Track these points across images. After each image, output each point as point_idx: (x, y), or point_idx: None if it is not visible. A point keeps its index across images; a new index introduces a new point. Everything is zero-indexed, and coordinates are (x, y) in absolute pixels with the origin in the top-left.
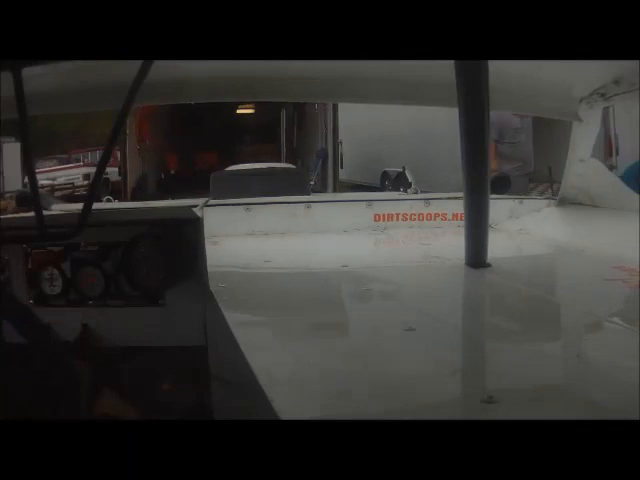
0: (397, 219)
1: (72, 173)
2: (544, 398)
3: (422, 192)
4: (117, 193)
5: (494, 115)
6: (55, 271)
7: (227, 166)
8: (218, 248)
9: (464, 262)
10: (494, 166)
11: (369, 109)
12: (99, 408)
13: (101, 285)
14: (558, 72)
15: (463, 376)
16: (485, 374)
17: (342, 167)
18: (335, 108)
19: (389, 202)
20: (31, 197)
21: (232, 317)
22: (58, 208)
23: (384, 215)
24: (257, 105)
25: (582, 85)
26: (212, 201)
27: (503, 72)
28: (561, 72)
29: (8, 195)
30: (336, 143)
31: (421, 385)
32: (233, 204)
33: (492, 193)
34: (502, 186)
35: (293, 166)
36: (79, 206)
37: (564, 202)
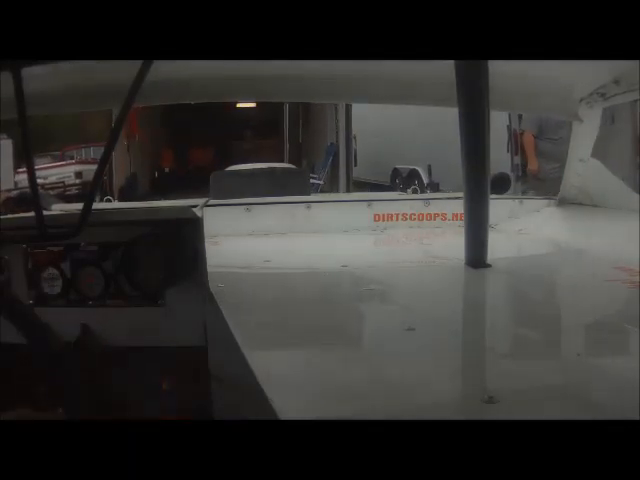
0: (397, 219)
1: (63, 171)
2: (544, 398)
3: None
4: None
5: None
6: (55, 271)
7: (226, 164)
8: (218, 248)
9: (464, 262)
10: (534, 166)
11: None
12: (99, 408)
13: (101, 285)
14: (558, 72)
15: (463, 376)
16: (485, 374)
17: (356, 164)
18: None
19: (389, 202)
20: (30, 197)
21: (232, 317)
22: (58, 208)
23: (384, 215)
24: None
25: (582, 85)
26: (212, 201)
27: (503, 72)
28: (561, 72)
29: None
30: (349, 138)
31: (421, 385)
32: (233, 204)
33: (492, 193)
34: (502, 186)
35: (293, 166)
36: (79, 206)
37: (564, 202)
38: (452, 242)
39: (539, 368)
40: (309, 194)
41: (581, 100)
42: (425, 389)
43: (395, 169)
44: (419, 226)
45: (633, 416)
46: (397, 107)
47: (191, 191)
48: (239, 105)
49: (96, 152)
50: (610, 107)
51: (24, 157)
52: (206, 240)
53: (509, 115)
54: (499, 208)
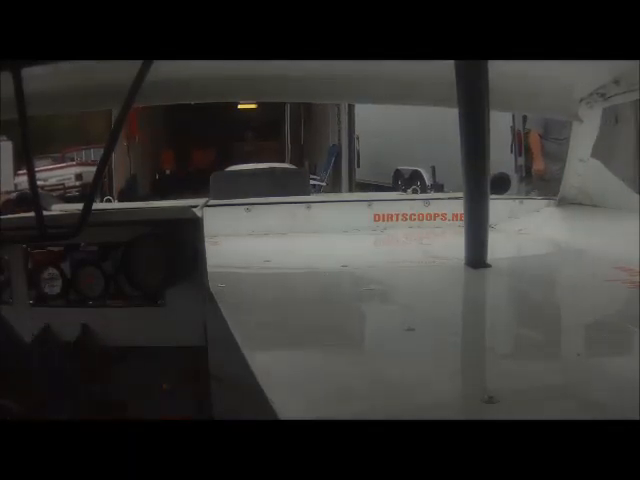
0: (397, 219)
1: (63, 173)
2: (544, 398)
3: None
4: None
5: None
6: (55, 271)
7: (228, 165)
8: (218, 248)
9: (464, 262)
10: (540, 167)
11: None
12: (99, 408)
13: (101, 285)
14: (558, 72)
15: (463, 376)
16: (485, 374)
17: (359, 166)
18: None
19: (389, 202)
20: (30, 197)
21: (232, 317)
22: (58, 208)
23: (384, 215)
24: None
25: (582, 85)
26: (212, 201)
27: (503, 72)
28: (561, 72)
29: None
30: (352, 138)
31: (421, 385)
32: (233, 204)
33: (492, 193)
34: (502, 186)
35: (293, 166)
36: (79, 206)
37: (564, 202)
38: (452, 242)
39: (539, 368)
40: (309, 194)
41: (581, 100)
42: (425, 389)
43: (397, 170)
44: (419, 226)
45: (633, 416)
46: (400, 107)
47: (192, 193)
48: (240, 106)
49: (97, 154)
50: (613, 107)
51: (24, 157)
52: (206, 240)
53: (512, 115)
54: (499, 208)
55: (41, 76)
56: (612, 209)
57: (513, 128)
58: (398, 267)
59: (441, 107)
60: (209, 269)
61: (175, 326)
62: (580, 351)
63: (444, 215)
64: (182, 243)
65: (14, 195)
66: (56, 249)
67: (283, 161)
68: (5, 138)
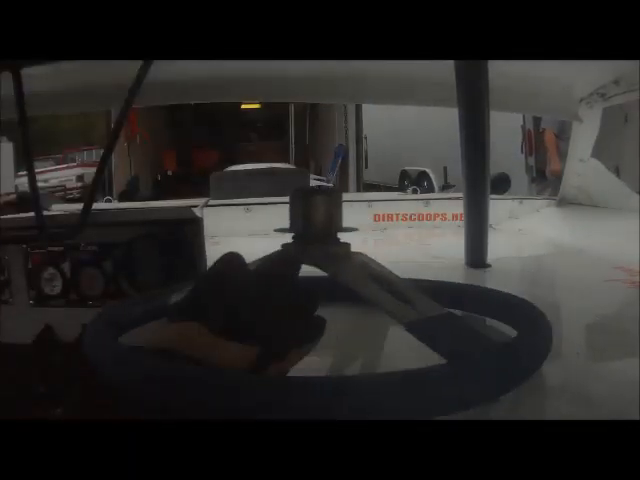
0: (397, 219)
1: (65, 175)
2: (544, 398)
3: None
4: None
5: None
6: (55, 271)
7: (231, 166)
8: (218, 248)
9: (464, 262)
10: (557, 167)
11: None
12: (99, 408)
13: (101, 285)
14: (558, 72)
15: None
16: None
17: (367, 167)
18: None
19: (389, 202)
20: (30, 197)
21: None
22: (58, 208)
23: (384, 215)
24: None
25: (582, 85)
26: (212, 201)
27: (503, 72)
28: (561, 72)
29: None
30: (360, 138)
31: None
32: (233, 204)
33: (492, 193)
34: (502, 186)
35: (293, 166)
36: (79, 206)
37: (564, 202)
38: (452, 242)
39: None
40: None
41: (581, 100)
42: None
43: (404, 171)
44: (419, 226)
45: (633, 416)
46: (409, 107)
47: (195, 194)
48: (244, 106)
49: (98, 155)
50: (623, 106)
51: (24, 157)
52: (206, 240)
53: (523, 115)
54: (499, 208)
55: (41, 76)
56: (612, 209)
57: (524, 127)
58: (398, 267)
59: (445, 107)
60: None
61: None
62: (580, 351)
63: (444, 215)
64: (182, 243)
65: (15, 195)
66: (56, 249)
67: (287, 162)
68: (6, 139)
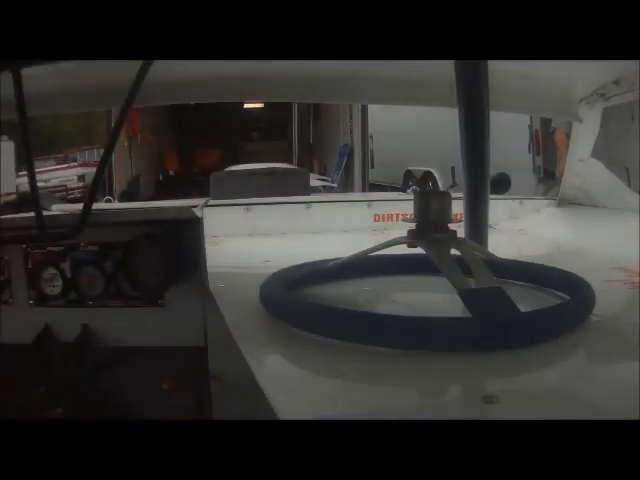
0: (397, 219)
1: (66, 174)
2: (544, 398)
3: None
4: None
5: None
6: (55, 271)
7: (231, 166)
8: (218, 248)
9: None
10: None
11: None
12: (99, 408)
13: (101, 285)
14: (558, 72)
15: (463, 376)
16: (485, 374)
17: (373, 167)
18: None
19: (389, 202)
20: (30, 197)
21: (232, 317)
22: (58, 208)
23: (384, 215)
24: None
25: (582, 85)
26: (212, 201)
27: (503, 72)
28: (561, 72)
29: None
30: (365, 138)
31: (421, 385)
32: (233, 204)
33: (492, 193)
34: (502, 186)
35: (294, 166)
36: (79, 206)
37: (564, 202)
38: None
39: (539, 368)
40: (309, 194)
41: (581, 100)
42: (425, 389)
43: (408, 171)
44: None
45: (633, 416)
46: (415, 106)
47: (197, 195)
48: (246, 105)
49: (100, 155)
50: (629, 105)
51: (24, 156)
52: (206, 240)
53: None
54: (499, 208)
55: (41, 76)
56: (612, 209)
57: (531, 127)
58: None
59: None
60: (209, 269)
61: (175, 326)
62: (579, 350)
63: None
64: (182, 243)
65: (15, 195)
66: (56, 249)
67: (290, 162)
68: (7, 138)
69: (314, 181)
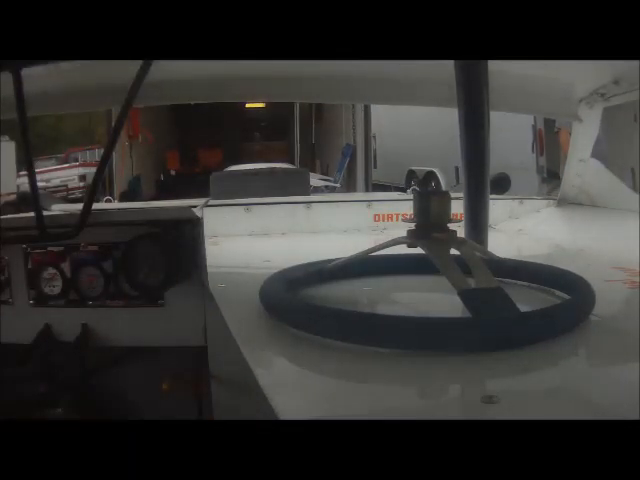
0: (397, 219)
1: (67, 174)
2: (544, 398)
3: None
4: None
5: None
6: (55, 271)
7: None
8: (218, 248)
9: None
10: None
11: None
12: (99, 408)
13: (101, 285)
14: (558, 72)
15: (463, 376)
16: (485, 374)
17: (376, 166)
18: None
19: (389, 202)
20: (31, 197)
21: (232, 317)
22: (58, 208)
23: (384, 215)
24: None
25: (582, 85)
26: (212, 201)
27: (503, 72)
28: (561, 72)
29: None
30: (368, 138)
31: (421, 385)
32: (233, 204)
33: (492, 193)
34: (502, 186)
35: (293, 166)
36: (79, 206)
37: (564, 202)
38: None
39: (539, 368)
40: (309, 194)
41: (581, 100)
42: (425, 389)
43: (410, 171)
44: None
45: (633, 416)
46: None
47: (199, 195)
48: (248, 105)
49: (101, 154)
50: (633, 105)
51: (24, 156)
52: (206, 240)
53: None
54: (499, 208)
55: (41, 76)
56: (612, 209)
57: (534, 127)
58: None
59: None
60: (209, 269)
61: (175, 326)
62: (579, 350)
63: None
64: (182, 243)
65: (15, 195)
66: (56, 249)
67: (292, 162)
68: (7, 138)
69: (317, 181)
